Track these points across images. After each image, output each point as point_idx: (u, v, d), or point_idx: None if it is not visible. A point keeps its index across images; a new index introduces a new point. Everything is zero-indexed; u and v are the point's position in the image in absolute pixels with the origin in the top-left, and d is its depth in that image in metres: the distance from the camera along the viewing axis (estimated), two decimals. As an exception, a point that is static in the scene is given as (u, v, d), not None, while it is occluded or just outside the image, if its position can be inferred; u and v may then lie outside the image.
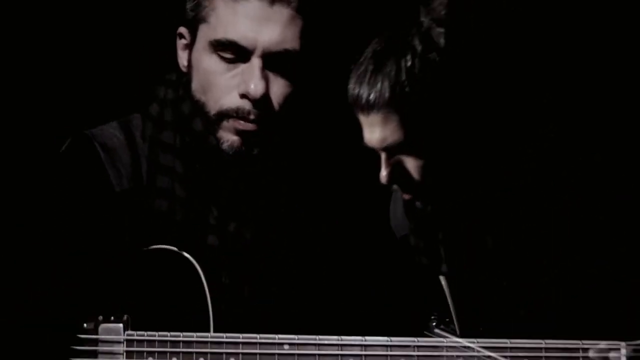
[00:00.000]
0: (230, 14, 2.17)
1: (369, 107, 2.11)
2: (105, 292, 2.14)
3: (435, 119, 2.11)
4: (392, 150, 2.15)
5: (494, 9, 2.17)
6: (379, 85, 2.09)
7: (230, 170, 2.24)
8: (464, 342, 2.04)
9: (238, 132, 2.20)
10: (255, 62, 2.17)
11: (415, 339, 2.06)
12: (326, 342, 2.08)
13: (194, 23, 2.24)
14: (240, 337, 2.11)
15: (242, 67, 2.19)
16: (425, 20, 2.12)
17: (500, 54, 2.17)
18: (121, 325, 2.14)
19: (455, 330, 2.10)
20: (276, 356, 2.08)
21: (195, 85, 2.24)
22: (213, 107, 2.21)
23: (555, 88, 2.41)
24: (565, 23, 2.53)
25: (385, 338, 2.07)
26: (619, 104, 2.52)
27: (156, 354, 2.12)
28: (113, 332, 2.15)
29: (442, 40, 2.08)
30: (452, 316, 2.11)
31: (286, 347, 2.08)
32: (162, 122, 2.30)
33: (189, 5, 2.25)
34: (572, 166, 2.23)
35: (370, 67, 2.11)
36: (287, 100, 2.22)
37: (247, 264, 2.25)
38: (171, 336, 2.12)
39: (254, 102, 2.18)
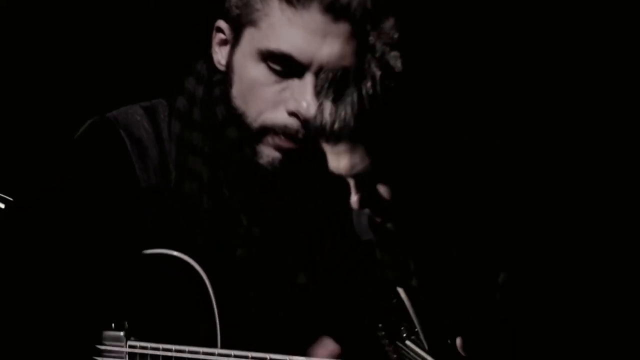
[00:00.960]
0: (287, 24, 1.98)
1: (335, 138, 2.01)
2: (106, 296, 2.03)
3: (402, 143, 2.04)
4: (361, 177, 2.06)
5: (447, 27, 2.15)
6: (342, 114, 2.00)
7: (264, 183, 2.09)
8: None
9: (281, 150, 2.05)
10: (309, 78, 2.00)
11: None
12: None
13: (239, 23, 2.04)
14: (250, 356, 1.98)
15: (293, 82, 2.02)
16: (377, 44, 2.04)
17: (459, 69, 2.15)
18: (122, 333, 2.03)
19: (423, 343, 2.01)
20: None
21: (235, 91, 2.07)
22: (255, 120, 2.04)
23: (519, 103, 2.37)
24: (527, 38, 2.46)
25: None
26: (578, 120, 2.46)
27: (160, 368, 2.01)
28: (113, 340, 2.04)
29: (398, 64, 2.01)
30: (418, 328, 2.03)
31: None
32: (192, 121, 2.13)
33: (233, 1, 2.05)
34: (541, 186, 2.17)
35: (331, 97, 2.01)
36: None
37: (272, 277, 2.13)
38: (175, 351, 2.00)
39: (304, 121, 2.02)
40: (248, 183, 2.08)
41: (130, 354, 2.00)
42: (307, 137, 2.01)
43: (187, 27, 2.29)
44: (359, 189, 2.06)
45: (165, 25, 2.51)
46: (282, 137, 2.03)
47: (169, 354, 1.98)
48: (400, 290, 2.06)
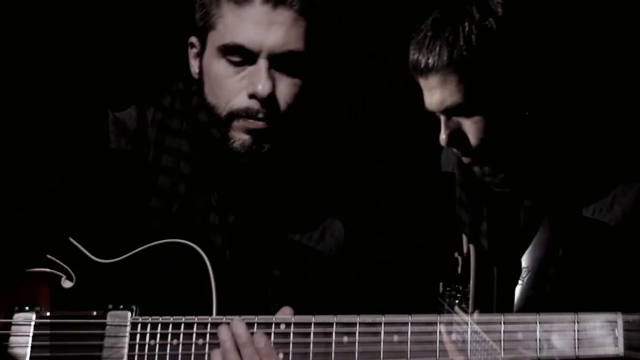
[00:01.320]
0: (237, 20, 2.31)
1: (427, 71, 2.24)
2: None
3: (492, 82, 2.23)
4: (451, 113, 2.26)
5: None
6: (437, 49, 2.23)
7: (235, 162, 2.36)
8: (458, 318, 2.06)
9: (248, 131, 2.32)
10: (262, 63, 2.30)
11: (409, 316, 2.10)
12: (321, 321, 2.13)
13: (203, 31, 2.38)
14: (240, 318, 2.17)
15: (249, 69, 2.32)
16: None
17: (557, 19, 2.30)
18: (128, 312, 2.24)
19: (468, 310, 2.14)
20: (272, 334, 2.14)
21: (207, 89, 2.38)
22: (224, 109, 2.34)
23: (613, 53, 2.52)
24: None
25: (380, 316, 2.11)
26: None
27: (158, 336, 2.20)
28: (119, 317, 2.24)
29: (499, 9, 2.23)
30: (469, 287, 2.23)
31: (282, 326, 2.14)
32: (173, 111, 2.43)
33: (198, 15, 2.39)
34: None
35: (429, 34, 2.26)
36: (294, 98, 2.34)
37: (247, 243, 2.37)
38: (173, 319, 2.21)
39: (262, 101, 2.31)
40: (218, 164, 2.38)
41: (133, 324, 2.22)
42: (270, 116, 2.31)
43: (175, 42, 2.59)
44: (447, 126, 2.26)
45: (157, 41, 2.84)
46: (247, 119, 2.32)
47: (168, 321, 2.19)
48: (471, 247, 2.26)
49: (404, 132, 2.78)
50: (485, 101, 2.23)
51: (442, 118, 2.28)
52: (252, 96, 2.31)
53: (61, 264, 2.27)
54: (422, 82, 2.28)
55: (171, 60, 2.53)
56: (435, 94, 2.25)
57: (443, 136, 2.27)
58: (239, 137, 2.33)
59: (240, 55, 2.31)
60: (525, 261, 2.33)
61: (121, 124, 2.40)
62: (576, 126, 2.32)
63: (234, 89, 2.32)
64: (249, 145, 2.32)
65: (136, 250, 2.29)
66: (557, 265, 2.28)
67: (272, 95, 2.30)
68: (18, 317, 2.24)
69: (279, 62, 2.31)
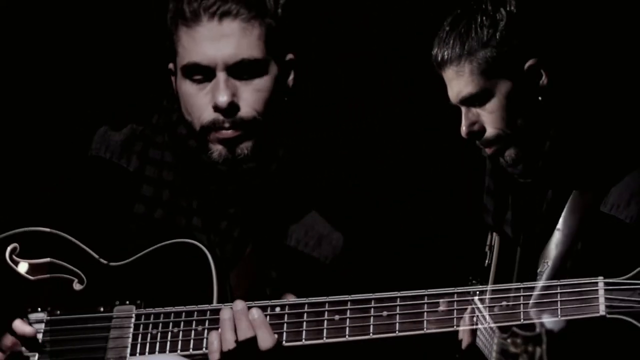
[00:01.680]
0: (190, 40, 2.43)
1: (443, 63, 2.36)
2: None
3: (504, 70, 2.33)
4: (468, 103, 2.36)
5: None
6: (451, 42, 2.35)
7: (212, 169, 2.48)
8: (445, 290, 2.12)
9: (220, 141, 2.44)
10: (220, 76, 2.42)
11: (397, 293, 2.16)
12: (314, 301, 2.20)
13: (173, 57, 2.52)
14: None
15: (210, 84, 2.43)
16: None
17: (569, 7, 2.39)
18: (133, 306, 2.35)
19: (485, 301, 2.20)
20: (268, 317, 2.23)
21: (182, 108, 2.51)
22: (197, 125, 2.47)
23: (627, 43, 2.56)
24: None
25: (370, 295, 2.18)
26: None
27: (160, 325, 2.30)
28: (124, 311, 2.35)
29: (513, 1, 2.34)
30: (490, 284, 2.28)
31: (277, 309, 2.22)
32: (157, 127, 2.57)
33: (167, 43, 2.52)
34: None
35: (447, 28, 2.38)
36: (262, 103, 2.44)
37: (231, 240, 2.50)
38: (176, 309, 2.31)
39: (224, 111, 2.42)
40: (197, 172, 2.50)
41: (137, 316, 2.32)
42: (236, 124, 2.42)
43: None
44: (467, 118, 2.36)
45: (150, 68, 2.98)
46: (217, 131, 2.43)
47: (170, 311, 2.30)
48: (496, 237, 2.32)
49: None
50: (497, 90, 2.31)
51: (463, 110, 2.37)
52: (216, 109, 2.42)
53: (73, 268, 2.41)
54: (443, 75, 2.39)
55: (163, 84, 2.66)
56: (453, 86, 2.36)
57: (463, 128, 2.36)
58: (215, 148, 2.44)
59: (200, 73, 2.43)
60: (545, 253, 2.38)
61: (108, 136, 2.54)
62: (589, 114, 2.38)
63: (201, 105, 2.43)
64: (225, 154, 2.43)
65: (145, 252, 2.40)
66: (575, 258, 2.33)
67: (233, 104, 2.40)
68: (31, 317, 2.36)
69: (237, 71, 2.41)
